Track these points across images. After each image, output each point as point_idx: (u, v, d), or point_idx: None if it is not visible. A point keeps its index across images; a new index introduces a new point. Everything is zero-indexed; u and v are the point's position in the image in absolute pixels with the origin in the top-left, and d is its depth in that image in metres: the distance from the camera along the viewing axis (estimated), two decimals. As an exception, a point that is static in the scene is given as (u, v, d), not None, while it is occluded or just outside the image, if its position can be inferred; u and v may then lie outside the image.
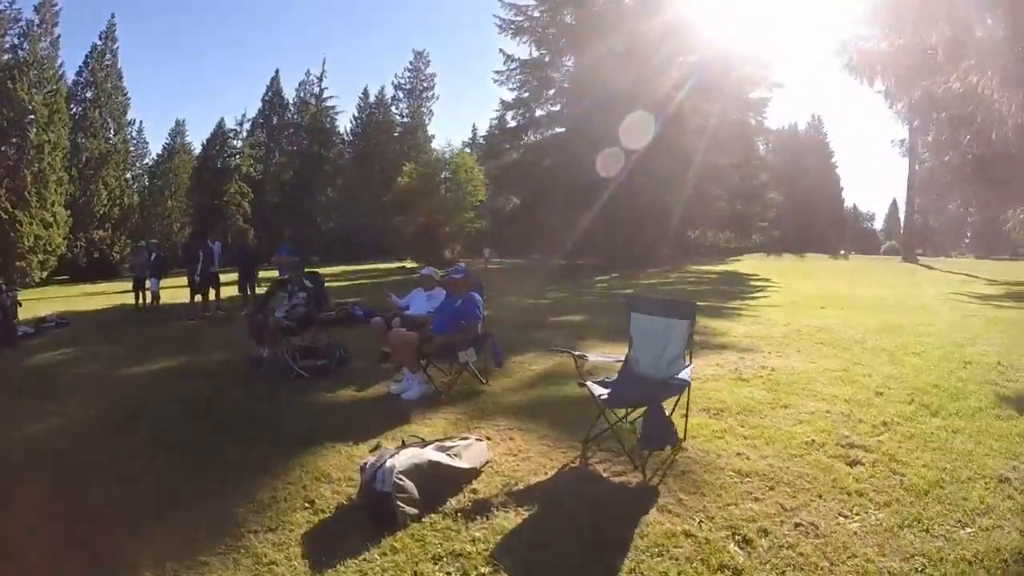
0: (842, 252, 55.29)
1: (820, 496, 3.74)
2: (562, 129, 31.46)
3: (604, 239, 30.05)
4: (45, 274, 37.12)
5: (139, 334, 12.32)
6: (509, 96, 33.44)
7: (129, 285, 20.21)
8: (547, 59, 32.18)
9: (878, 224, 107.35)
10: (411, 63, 62.31)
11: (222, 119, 60.37)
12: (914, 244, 44.20)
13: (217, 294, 15.29)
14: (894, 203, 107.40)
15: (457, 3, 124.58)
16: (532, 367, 7.31)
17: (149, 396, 6.85)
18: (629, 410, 4.62)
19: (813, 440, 4.63)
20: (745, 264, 36.62)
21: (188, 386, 7.19)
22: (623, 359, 5.00)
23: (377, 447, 4.42)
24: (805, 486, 3.87)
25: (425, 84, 61.73)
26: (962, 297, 17.14)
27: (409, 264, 39.02)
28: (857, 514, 3.52)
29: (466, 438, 4.42)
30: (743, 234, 32.43)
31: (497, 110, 34.15)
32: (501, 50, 32.97)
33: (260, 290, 14.46)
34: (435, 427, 5.24)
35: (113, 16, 51.31)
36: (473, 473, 4.11)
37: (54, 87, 41.24)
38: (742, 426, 4.99)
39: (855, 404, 5.55)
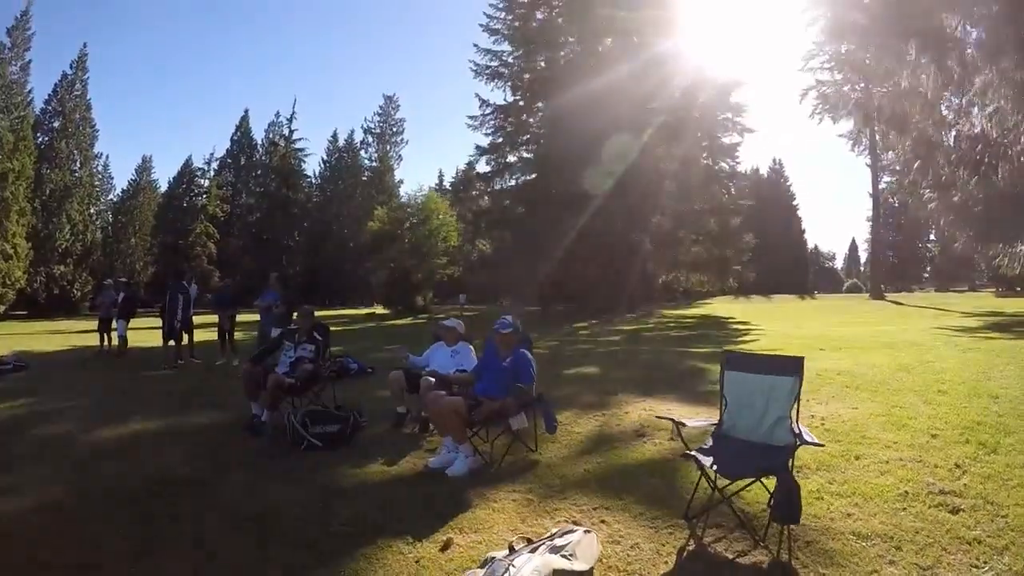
0: (815, 292, 56.23)
1: (945, 549, 3.61)
2: (534, 175, 31.36)
3: (577, 285, 29.96)
4: (2, 308, 35.85)
5: (108, 384, 10.88)
6: (484, 141, 33.45)
7: (91, 325, 19.10)
8: (521, 103, 32.27)
9: (838, 263, 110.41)
10: (381, 107, 62.61)
11: (190, 157, 60.07)
12: (879, 281, 45.20)
13: (191, 340, 13.98)
14: (853, 242, 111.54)
15: (427, 50, 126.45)
16: (575, 429, 6.57)
17: (129, 472, 5.58)
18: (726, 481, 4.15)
19: (906, 492, 4.45)
20: (716, 307, 36.94)
21: (176, 458, 5.99)
22: (716, 422, 4.55)
23: (485, 561, 3.38)
24: (927, 541, 3.71)
25: (394, 128, 61.88)
26: (947, 331, 17.03)
27: (379, 310, 38.41)
28: (985, 562, 3.45)
29: (572, 530, 3.64)
30: (719, 277, 32.46)
31: (471, 155, 34.23)
32: (477, 95, 33.28)
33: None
34: (506, 512, 4.40)
35: (85, 46, 50.67)
36: (590, 575, 3.44)
37: (21, 114, 40.49)
38: (831, 483, 4.66)
39: (919, 448, 5.40)
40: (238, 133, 61.75)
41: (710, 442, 4.30)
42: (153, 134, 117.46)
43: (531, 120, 32.09)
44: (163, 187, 61.16)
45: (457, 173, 70.05)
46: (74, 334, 22.52)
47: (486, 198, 35.87)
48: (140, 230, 57.21)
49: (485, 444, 5.81)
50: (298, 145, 59.36)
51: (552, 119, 30.11)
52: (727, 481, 4.02)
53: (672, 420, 4.46)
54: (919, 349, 12.29)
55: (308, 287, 51.95)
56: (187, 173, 58.87)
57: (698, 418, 5.12)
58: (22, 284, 38.06)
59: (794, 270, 70.55)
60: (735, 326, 22.62)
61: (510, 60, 32.75)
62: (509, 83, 32.53)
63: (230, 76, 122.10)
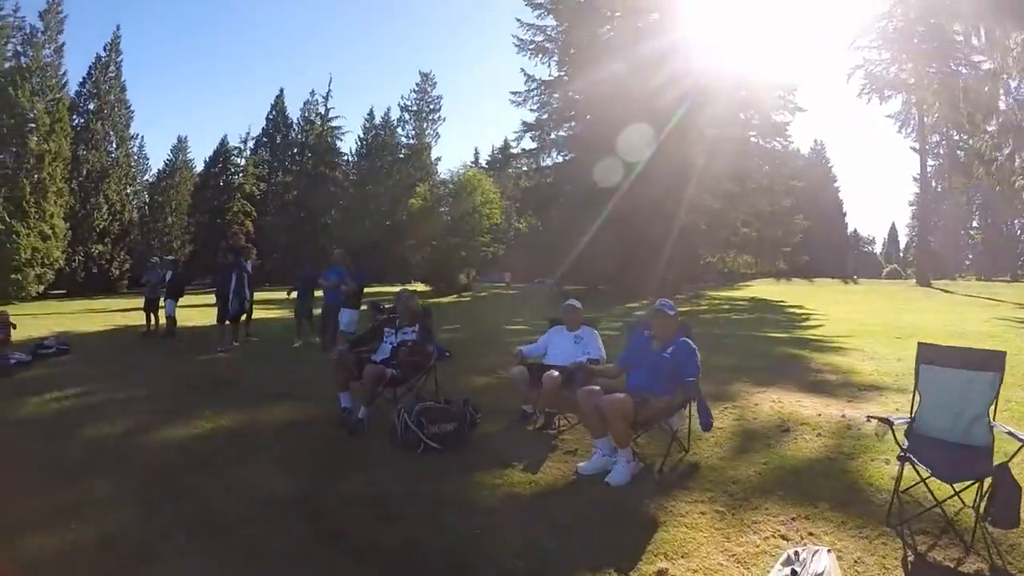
0: (855, 277, 55.17)
1: None
2: (581, 152, 30.74)
3: (622, 265, 29.49)
4: (42, 288, 35.90)
5: (162, 370, 9.75)
6: (529, 117, 33.02)
7: (131, 303, 18.85)
8: (566, 78, 31.62)
9: (877, 248, 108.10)
10: (417, 84, 61.63)
11: (225, 136, 59.84)
12: (926, 268, 43.93)
13: (248, 320, 13.16)
14: (893, 227, 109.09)
15: (462, 27, 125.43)
16: (717, 424, 5.74)
17: (213, 490, 4.54)
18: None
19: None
20: (761, 289, 36.09)
21: (266, 469, 4.96)
22: (909, 419, 4.18)
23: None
24: None
25: (431, 106, 60.98)
26: (1009, 322, 16.62)
27: (419, 287, 38.26)
28: None
29: (816, 550, 3.17)
30: (767, 259, 31.82)
31: (516, 131, 33.67)
32: (522, 69, 32.64)
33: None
34: (703, 529, 3.82)
35: (118, 28, 50.23)
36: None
37: (56, 96, 40.41)
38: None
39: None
40: (273, 112, 61.47)
41: (906, 442, 3.93)
42: (188, 115, 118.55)
43: (576, 96, 31.36)
44: (199, 167, 61.40)
45: (493, 151, 70.07)
46: (115, 313, 22.00)
47: (529, 175, 35.38)
48: (177, 209, 57.69)
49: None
50: (334, 123, 59.30)
51: (594, 95, 29.42)
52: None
53: (880, 419, 4.04)
54: (996, 341, 11.74)
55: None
56: (223, 152, 58.71)
57: (896, 415, 4.51)
58: (60, 264, 38.14)
59: (834, 254, 69.04)
60: (791, 310, 22.09)
61: (554, 35, 32.11)
62: (555, 58, 31.97)
63: (264, 55, 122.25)
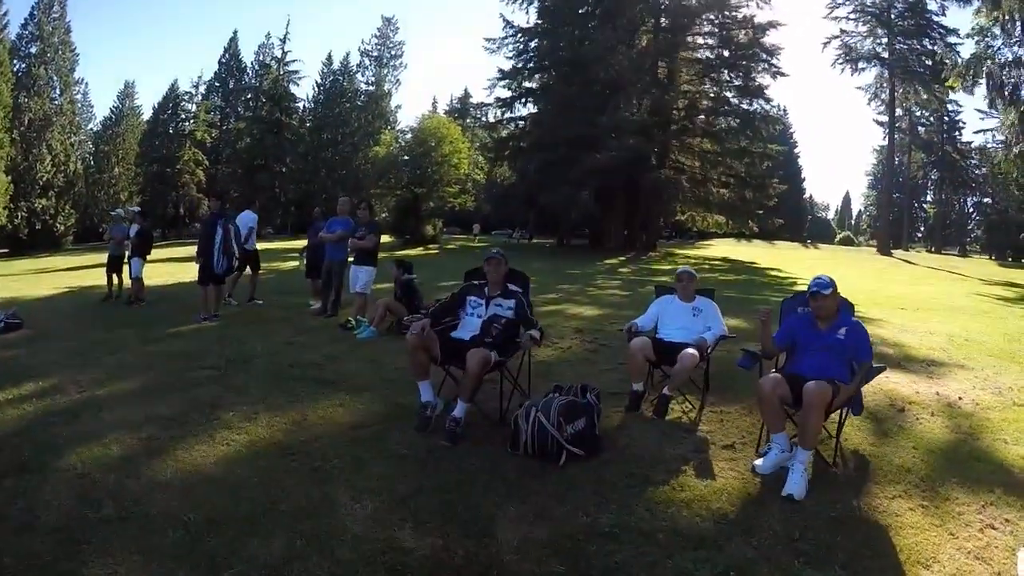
0: (808, 241, 55.70)
1: None
2: (556, 103, 29.63)
3: (593, 219, 28.95)
4: (-18, 247, 33.35)
5: (141, 348, 7.44)
6: (506, 65, 31.96)
7: (80, 260, 16.87)
8: (547, 27, 30.46)
9: (830, 214, 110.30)
10: (379, 30, 59.38)
11: (175, 81, 57.04)
12: (887, 238, 44.42)
13: (254, 279, 11.36)
14: (847, 195, 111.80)
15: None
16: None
17: (269, 558, 2.83)
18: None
19: None
20: (724, 250, 35.51)
21: (360, 506, 3.34)
22: None
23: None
24: None
25: (393, 52, 58.88)
26: (989, 297, 16.57)
27: (384, 238, 36.95)
28: None
29: None
30: (740, 220, 31.58)
31: (490, 79, 32.27)
32: (501, 15, 31.78)
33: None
34: (928, 530, 3.22)
35: (63, -36, 46.73)
36: None
37: (-5, 39, 37.50)
38: None
39: None
40: (227, 55, 58.30)
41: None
42: (136, 58, 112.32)
43: (557, 44, 30.21)
44: (147, 114, 58.61)
45: (452, 101, 68.24)
46: (64, 273, 19.92)
47: (503, 124, 34.19)
48: (124, 159, 55.02)
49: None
50: (292, 67, 56.16)
51: (574, 45, 28.38)
52: None
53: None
54: (990, 317, 11.55)
55: (301, 216, 50.22)
56: (172, 98, 55.90)
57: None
58: (2, 221, 36.27)
59: (791, 218, 69.68)
60: (773, 273, 21.70)
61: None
62: (534, 4, 30.74)
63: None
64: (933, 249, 61.29)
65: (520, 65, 31.29)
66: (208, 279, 9.31)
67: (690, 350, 4.78)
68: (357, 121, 55.82)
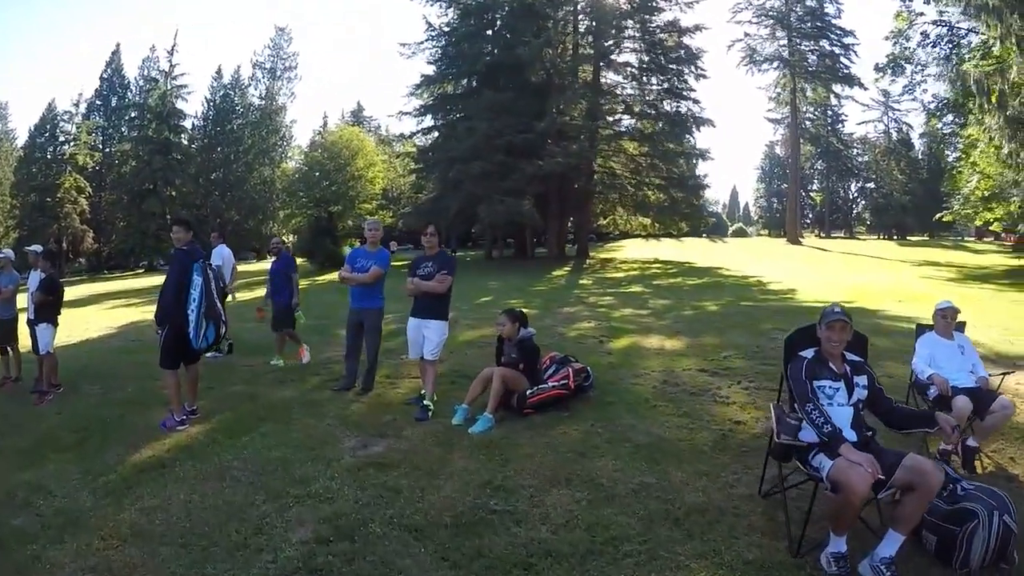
0: (703, 235, 57.02)
1: None
2: (479, 109, 28.39)
3: (522, 228, 28.17)
4: None
5: (91, 513, 3.64)
6: (422, 71, 30.60)
7: None
8: (467, 28, 29.27)
9: (718, 208, 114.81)
10: (272, 40, 56.18)
11: (53, 100, 52.03)
12: (796, 227, 46.35)
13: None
14: (735, 190, 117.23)
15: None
16: None
17: None
18: None
19: None
20: (646, 251, 35.14)
21: None
22: None
23: None
24: None
25: (287, 63, 55.73)
26: (938, 280, 17.46)
27: (297, 262, 34.75)
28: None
29: None
30: (673, 221, 31.51)
31: (410, 88, 30.62)
32: (424, 17, 30.40)
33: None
34: None
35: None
36: None
37: None
38: None
39: None
40: (109, 70, 53.37)
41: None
42: (7, 76, 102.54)
43: (482, 48, 29.05)
44: (21, 138, 53.20)
45: (343, 115, 65.93)
46: None
47: (423, 134, 32.79)
48: (-4, 189, 49.34)
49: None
50: (180, 82, 51.85)
51: (504, 50, 27.38)
52: None
53: None
54: (978, 303, 11.88)
55: (199, 242, 46.69)
56: (50, 119, 49.98)
57: None
58: None
59: (692, 214, 71.69)
60: (726, 273, 21.32)
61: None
62: (454, 7, 29.62)
63: (99, 5, 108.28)
64: (823, 234, 64.55)
65: (444, 69, 29.86)
66: (177, 358, 5.50)
67: (1005, 398, 4.27)
68: (251, 138, 52.47)
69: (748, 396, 5.69)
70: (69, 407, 6.11)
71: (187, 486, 3.94)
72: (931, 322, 4.90)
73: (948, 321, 4.74)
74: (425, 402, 5.46)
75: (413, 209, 30.29)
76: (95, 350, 9.68)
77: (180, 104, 50.10)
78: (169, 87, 49.10)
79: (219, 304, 5.52)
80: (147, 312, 14.28)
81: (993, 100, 15.38)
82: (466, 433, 4.84)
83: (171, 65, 49.76)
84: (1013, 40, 14.26)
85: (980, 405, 4.12)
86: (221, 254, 8.78)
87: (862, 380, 3.30)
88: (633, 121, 29.73)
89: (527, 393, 5.34)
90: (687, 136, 29.95)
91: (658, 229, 34.73)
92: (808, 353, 3.38)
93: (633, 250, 36.29)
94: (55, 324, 7.10)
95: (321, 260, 32.23)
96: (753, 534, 3.19)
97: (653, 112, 29.51)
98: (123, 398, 6.39)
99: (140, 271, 42.67)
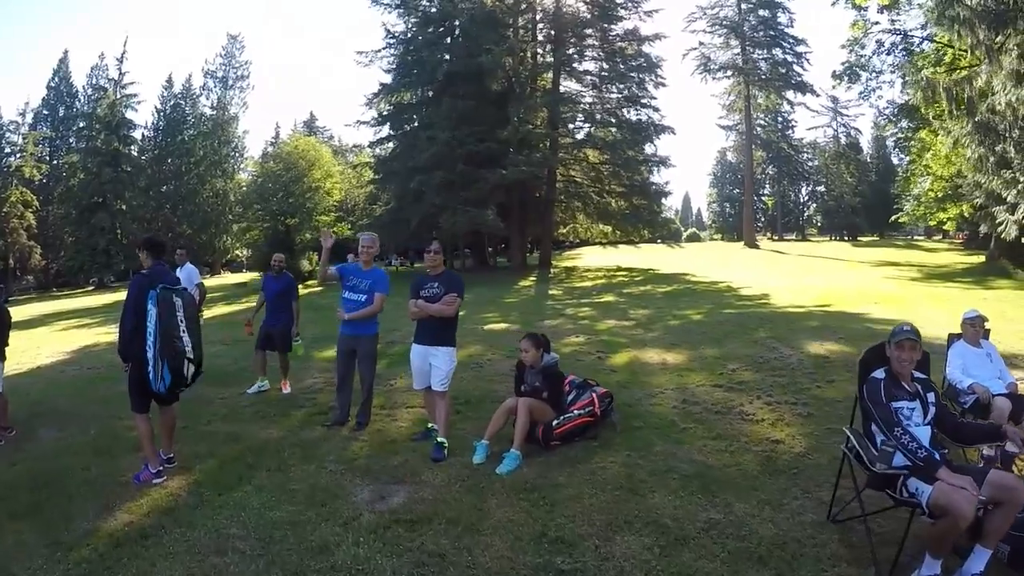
0: (659, 240, 57.45)
1: None
2: (439, 118, 27.86)
3: (484, 240, 27.87)
4: None
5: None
6: (379, 79, 30.19)
7: None
8: (426, 35, 28.87)
9: (671, 214, 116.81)
10: (224, 48, 54.62)
11: (-4, 110, 49.45)
12: (752, 231, 47.18)
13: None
14: (687, 196, 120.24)
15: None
16: None
17: None
18: None
19: None
20: (606, 258, 35.30)
21: None
22: None
23: None
24: None
25: (239, 72, 54.26)
26: (903, 280, 17.95)
27: (251, 278, 33.80)
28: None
29: None
30: (635, 229, 31.40)
31: (368, 97, 30.00)
32: (383, 24, 30.46)
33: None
34: None
35: None
36: None
37: None
38: None
39: None
40: (56, 78, 51.39)
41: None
42: None
43: (441, 55, 28.67)
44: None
45: (296, 125, 64.82)
46: None
47: (381, 143, 32.36)
48: (-66, 207, 46.74)
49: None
50: (129, 91, 49.88)
51: (466, 58, 26.99)
52: None
53: None
54: (948, 302, 12.14)
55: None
56: None
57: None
58: None
59: (653, 221, 72.32)
60: (693, 279, 21.33)
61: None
62: (411, 16, 29.19)
63: (45, 10, 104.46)
64: (776, 237, 65.78)
65: (403, 77, 29.28)
66: (147, 399, 4.68)
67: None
68: (203, 149, 50.90)
69: (774, 412, 5.56)
70: (23, 457, 5.31)
71: (180, 564, 3.27)
72: (959, 331, 5.02)
73: (976, 329, 4.92)
74: (439, 439, 4.97)
75: (373, 221, 29.54)
76: (49, 381, 8.76)
77: (130, 114, 47.84)
78: (118, 96, 47.22)
79: (184, 337, 4.51)
80: (101, 334, 13.76)
81: (962, 106, 15.92)
82: (493, 474, 4.42)
83: (120, 73, 48.00)
84: (983, 50, 14.71)
85: (1015, 410, 4.27)
86: (188, 273, 8.31)
87: (931, 397, 3.25)
88: (594, 129, 29.62)
89: (552, 424, 4.97)
90: (648, 143, 29.92)
91: (619, 236, 34.56)
92: (880, 374, 3.30)
93: (593, 258, 36.48)
94: (2, 358, 6.15)
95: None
96: (839, 564, 3.09)
97: (614, 120, 29.50)
98: (86, 443, 5.58)
99: (90, 288, 40.89)
